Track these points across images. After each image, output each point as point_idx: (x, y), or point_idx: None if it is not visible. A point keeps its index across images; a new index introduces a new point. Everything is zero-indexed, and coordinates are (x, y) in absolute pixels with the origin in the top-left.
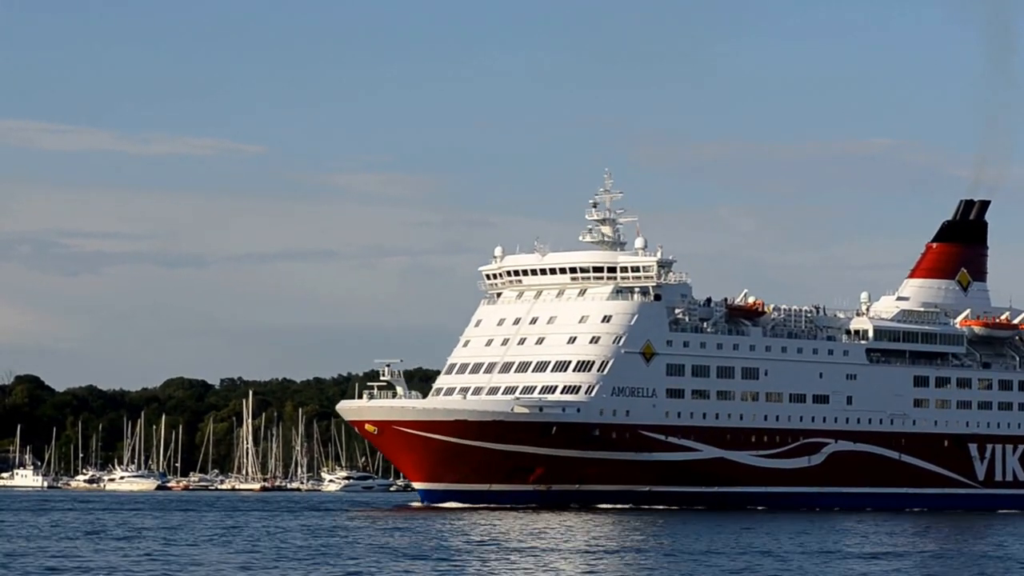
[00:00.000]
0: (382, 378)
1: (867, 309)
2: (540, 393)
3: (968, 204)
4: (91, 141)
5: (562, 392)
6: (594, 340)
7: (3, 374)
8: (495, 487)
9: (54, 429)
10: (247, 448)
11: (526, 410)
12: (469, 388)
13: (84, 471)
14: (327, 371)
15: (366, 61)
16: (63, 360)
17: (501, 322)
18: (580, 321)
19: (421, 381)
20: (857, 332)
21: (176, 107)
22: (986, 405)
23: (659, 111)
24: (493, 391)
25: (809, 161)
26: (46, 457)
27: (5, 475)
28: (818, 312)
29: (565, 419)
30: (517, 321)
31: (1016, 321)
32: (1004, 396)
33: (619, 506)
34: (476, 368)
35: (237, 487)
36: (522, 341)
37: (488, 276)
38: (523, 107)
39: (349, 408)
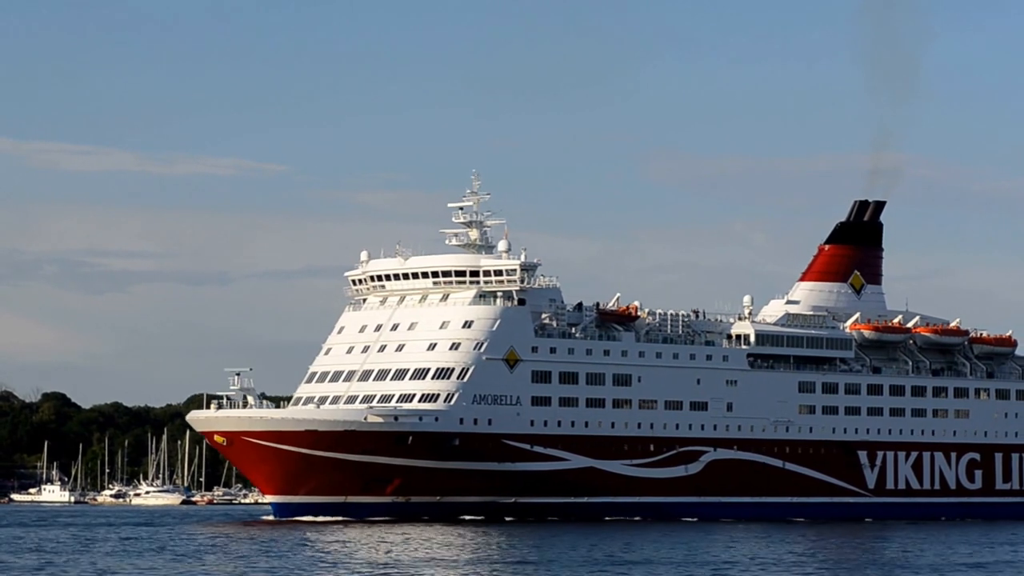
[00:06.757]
0: (232, 387)
1: (749, 313)
2: (398, 401)
3: (863, 205)
4: (115, 162)
5: (420, 400)
6: (454, 347)
7: (30, 391)
8: (351, 499)
9: (80, 445)
10: None
11: (380, 419)
12: (328, 397)
13: (110, 486)
14: None
15: (383, 82)
16: (89, 377)
17: (363, 329)
18: (441, 327)
19: None
20: (738, 337)
21: (197, 128)
22: (876, 411)
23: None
24: (351, 400)
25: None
26: (73, 473)
27: (33, 491)
28: (697, 316)
29: (422, 428)
30: (379, 328)
31: (909, 324)
32: (895, 402)
33: (482, 518)
34: (336, 377)
35: (260, 501)
36: (382, 348)
37: (353, 282)
38: (534, 125)
39: (198, 419)
